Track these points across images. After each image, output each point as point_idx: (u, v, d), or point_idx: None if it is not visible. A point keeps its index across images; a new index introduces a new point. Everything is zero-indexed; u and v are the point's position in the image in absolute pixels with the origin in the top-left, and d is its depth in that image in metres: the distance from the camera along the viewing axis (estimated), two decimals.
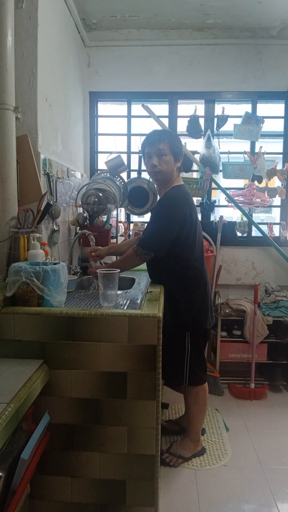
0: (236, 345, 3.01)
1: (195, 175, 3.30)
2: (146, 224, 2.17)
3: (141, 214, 3.25)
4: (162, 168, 1.98)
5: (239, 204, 3.12)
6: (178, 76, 3.28)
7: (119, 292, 1.84)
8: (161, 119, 3.13)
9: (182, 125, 3.31)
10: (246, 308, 2.98)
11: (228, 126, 3.24)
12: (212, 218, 3.35)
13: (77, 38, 3.04)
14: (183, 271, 1.99)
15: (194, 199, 2.80)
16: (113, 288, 1.65)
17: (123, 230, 3.25)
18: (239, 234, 3.34)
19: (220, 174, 3.22)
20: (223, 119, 3.22)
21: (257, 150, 3.22)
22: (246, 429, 2.49)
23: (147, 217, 3.31)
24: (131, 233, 3.24)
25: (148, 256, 1.94)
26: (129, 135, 3.42)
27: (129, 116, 3.40)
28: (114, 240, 2.74)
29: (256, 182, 3.20)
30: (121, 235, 3.11)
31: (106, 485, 1.56)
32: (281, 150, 3.38)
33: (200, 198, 3.25)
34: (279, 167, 3.24)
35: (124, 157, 3.24)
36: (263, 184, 3.22)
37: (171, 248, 1.94)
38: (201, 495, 1.91)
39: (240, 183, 3.38)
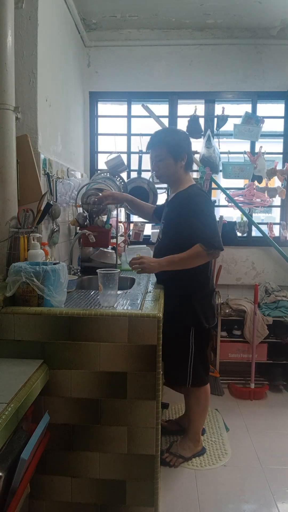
0: (236, 345, 3.01)
1: (195, 175, 3.29)
2: (163, 223, 2.10)
3: None
4: (162, 173, 2.01)
5: (239, 204, 3.12)
6: (178, 76, 3.28)
7: (119, 292, 1.83)
8: (161, 119, 3.13)
9: (182, 125, 3.31)
10: (246, 308, 2.99)
11: (228, 126, 3.24)
12: None
13: (77, 38, 3.04)
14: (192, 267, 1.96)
15: None
16: (113, 288, 1.64)
17: (123, 230, 3.24)
18: (239, 234, 3.34)
19: (220, 174, 3.22)
20: (223, 119, 3.22)
21: (257, 150, 3.22)
22: (246, 429, 2.49)
23: None
24: (131, 233, 3.24)
25: (217, 256, 1.96)
26: (129, 135, 3.42)
27: (129, 116, 3.40)
28: (114, 240, 2.74)
29: (256, 182, 3.20)
30: (121, 235, 3.11)
31: (106, 485, 1.56)
32: (281, 150, 3.38)
33: None
34: (279, 167, 3.24)
35: (124, 157, 3.24)
36: (263, 184, 3.22)
37: (185, 243, 1.89)
38: (201, 495, 1.91)
39: (240, 183, 3.38)
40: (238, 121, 3.19)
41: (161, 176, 2.03)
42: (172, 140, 1.97)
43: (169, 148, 1.95)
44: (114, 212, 2.77)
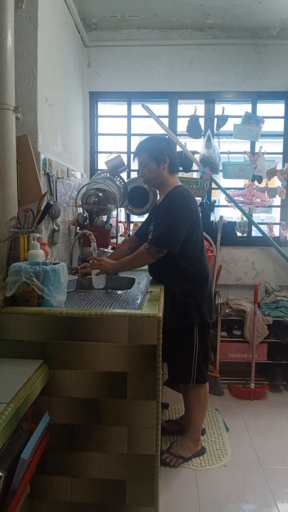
0: (236, 345, 3.01)
1: (195, 175, 3.29)
2: (152, 226, 2.17)
3: (141, 214, 3.25)
4: (147, 177, 2.09)
5: (239, 204, 3.12)
6: (178, 76, 3.28)
7: (119, 292, 1.90)
8: (161, 119, 3.13)
9: (182, 125, 3.31)
10: (246, 308, 2.98)
11: (228, 126, 3.24)
12: (212, 218, 3.35)
13: (77, 38, 3.04)
14: (187, 266, 2.01)
15: None
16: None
17: (123, 230, 3.25)
18: (239, 234, 3.34)
19: (220, 174, 3.22)
20: (223, 119, 3.22)
21: (257, 150, 3.22)
22: (246, 429, 2.49)
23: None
24: (131, 233, 3.24)
25: (161, 254, 1.93)
26: (129, 135, 3.42)
27: (129, 116, 3.40)
28: (114, 240, 2.74)
29: (256, 182, 3.20)
30: (121, 235, 3.11)
31: (106, 485, 1.56)
32: (281, 150, 3.38)
33: (200, 198, 3.25)
34: (279, 167, 3.24)
35: (124, 157, 3.24)
36: (263, 184, 3.22)
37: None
38: (201, 495, 1.91)
39: (240, 183, 3.38)
40: (238, 121, 3.19)
41: (147, 180, 2.11)
42: (152, 145, 2.07)
43: (151, 153, 2.04)
44: (114, 212, 2.78)
